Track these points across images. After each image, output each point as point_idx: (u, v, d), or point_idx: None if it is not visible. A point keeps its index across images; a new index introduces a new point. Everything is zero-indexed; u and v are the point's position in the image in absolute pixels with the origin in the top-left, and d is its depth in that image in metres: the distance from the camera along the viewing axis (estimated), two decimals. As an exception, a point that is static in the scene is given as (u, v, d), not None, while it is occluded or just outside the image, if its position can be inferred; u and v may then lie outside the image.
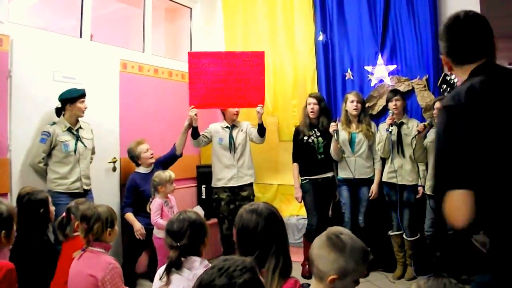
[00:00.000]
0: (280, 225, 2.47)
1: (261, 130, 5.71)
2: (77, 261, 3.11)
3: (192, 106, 5.45)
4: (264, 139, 5.86)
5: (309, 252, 2.19)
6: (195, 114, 5.47)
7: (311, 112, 5.55)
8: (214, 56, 5.70)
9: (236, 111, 5.75)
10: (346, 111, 5.49)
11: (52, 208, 3.85)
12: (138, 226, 5.19)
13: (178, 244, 2.82)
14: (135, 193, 5.40)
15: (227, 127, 5.74)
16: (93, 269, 2.96)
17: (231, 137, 5.70)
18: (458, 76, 2.08)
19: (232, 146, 5.68)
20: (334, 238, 2.09)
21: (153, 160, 5.55)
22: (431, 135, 4.96)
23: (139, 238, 5.16)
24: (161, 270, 2.84)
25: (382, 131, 5.31)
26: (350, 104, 5.42)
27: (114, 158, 5.61)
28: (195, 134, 5.54)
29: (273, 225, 2.41)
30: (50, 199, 3.85)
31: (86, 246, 3.13)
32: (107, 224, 3.16)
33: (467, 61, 1.99)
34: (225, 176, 5.63)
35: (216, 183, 5.66)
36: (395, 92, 5.35)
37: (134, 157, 5.54)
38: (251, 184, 5.82)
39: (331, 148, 5.45)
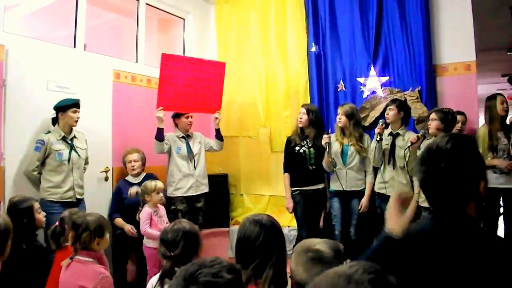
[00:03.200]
0: (280, 238, 2.50)
1: (220, 134, 5.95)
2: (65, 271, 3.10)
3: (160, 108, 5.44)
4: (223, 143, 6.03)
5: (293, 274, 2.22)
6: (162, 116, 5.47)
7: (300, 121, 5.55)
8: (186, 61, 5.81)
9: (190, 121, 5.78)
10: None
11: (40, 215, 3.87)
12: (127, 227, 5.25)
13: (172, 254, 2.83)
14: (119, 200, 5.48)
15: (182, 137, 5.77)
16: (83, 280, 2.95)
17: (188, 146, 5.76)
18: None
19: (191, 155, 5.74)
20: (311, 253, 2.15)
21: (134, 172, 5.60)
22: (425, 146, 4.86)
23: (132, 235, 5.19)
24: (153, 280, 2.84)
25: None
26: (337, 116, 5.45)
27: (107, 167, 5.63)
28: (161, 136, 5.50)
29: (274, 238, 2.44)
30: (36, 206, 3.86)
31: (73, 254, 3.12)
32: (95, 233, 3.14)
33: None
34: (184, 185, 5.67)
35: (174, 192, 5.64)
36: (393, 101, 5.32)
37: (123, 163, 5.67)
38: (205, 195, 5.86)
39: (324, 160, 5.43)
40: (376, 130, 5.17)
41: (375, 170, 5.39)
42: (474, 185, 1.74)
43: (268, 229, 2.43)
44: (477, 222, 1.93)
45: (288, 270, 2.37)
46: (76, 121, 4.83)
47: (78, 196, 4.84)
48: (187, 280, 1.45)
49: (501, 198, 5.30)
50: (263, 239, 2.40)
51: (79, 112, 4.83)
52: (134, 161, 5.60)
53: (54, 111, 4.80)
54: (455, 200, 1.73)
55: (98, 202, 5.37)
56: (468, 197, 1.74)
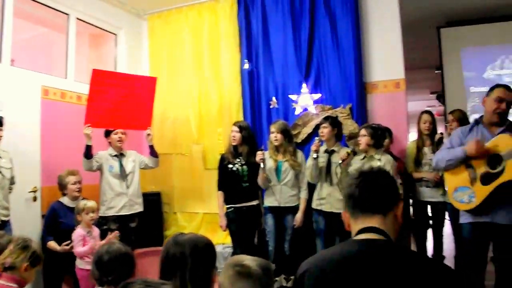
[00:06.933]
0: (206, 255, 2.45)
1: (154, 151, 5.89)
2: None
3: (88, 125, 5.29)
4: (158, 160, 5.95)
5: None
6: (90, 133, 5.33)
7: (233, 139, 5.55)
8: (117, 77, 5.74)
9: (119, 137, 5.65)
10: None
11: None
12: (60, 247, 4.94)
13: (109, 278, 2.76)
14: (54, 223, 5.22)
15: (115, 155, 5.68)
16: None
17: (121, 165, 5.67)
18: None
19: (123, 174, 5.65)
20: (238, 268, 2.13)
21: (78, 194, 5.36)
22: (356, 163, 4.93)
23: (66, 251, 4.87)
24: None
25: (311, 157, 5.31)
26: (271, 135, 5.43)
27: (35, 187, 5.45)
28: (89, 153, 5.37)
29: (196, 255, 2.40)
30: None
31: None
32: (31, 257, 3.01)
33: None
34: (116, 204, 5.55)
35: (106, 211, 5.51)
36: (325, 118, 5.36)
37: (61, 186, 5.39)
38: (139, 215, 5.77)
39: (258, 177, 5.43)
40: (312, 148, 5.20)
41: (309, 186, 5.42)
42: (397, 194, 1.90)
43: (188, 247, 2.39)
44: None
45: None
46: (-1, 140, 4.65)
47: (3, 218, 4.63)
48: None
49: (430, 211, 5.45)
50: (175, 255, 2.36)
51: (2, 131, 4.64)
52: (79, 182, 5.38)
53: (-22, 129, 4.60)
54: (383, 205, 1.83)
55: (26, 223, 5.18)
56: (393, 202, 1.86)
